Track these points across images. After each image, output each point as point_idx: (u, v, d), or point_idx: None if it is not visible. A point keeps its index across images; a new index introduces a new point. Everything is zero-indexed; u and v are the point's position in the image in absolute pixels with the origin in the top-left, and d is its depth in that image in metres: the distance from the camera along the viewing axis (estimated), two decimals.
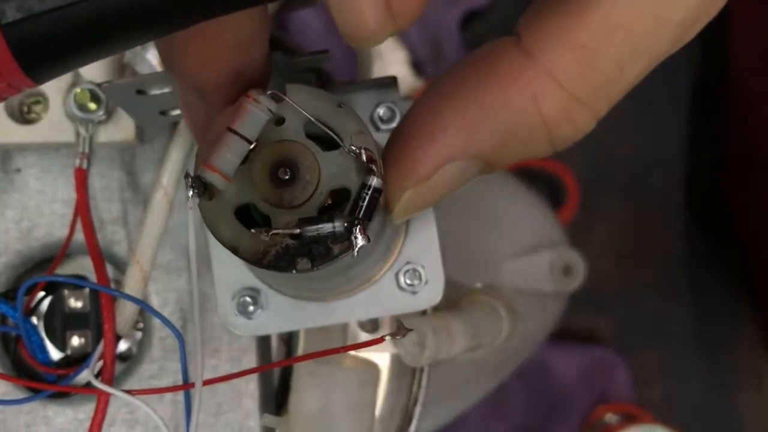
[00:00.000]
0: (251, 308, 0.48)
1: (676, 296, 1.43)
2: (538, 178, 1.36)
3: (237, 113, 0.36)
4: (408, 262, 0.49)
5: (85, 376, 0.52)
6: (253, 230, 0.37)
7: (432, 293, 0.49)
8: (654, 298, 1.43)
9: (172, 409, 0.53)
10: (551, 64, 0.35)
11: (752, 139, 1.32)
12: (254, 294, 0.48)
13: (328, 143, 0.38)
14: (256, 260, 0.38)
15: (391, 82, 0.48)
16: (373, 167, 0.37)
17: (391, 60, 1.40)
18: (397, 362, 0.56)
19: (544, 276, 1.17)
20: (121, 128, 0.51)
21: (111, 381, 0.48)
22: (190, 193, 0.36)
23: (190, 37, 0.35)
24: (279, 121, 0.38)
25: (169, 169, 0.50)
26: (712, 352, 1.42)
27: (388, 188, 0.38)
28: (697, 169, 1.44)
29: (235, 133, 0.36)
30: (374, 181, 0.37)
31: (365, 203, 0.37)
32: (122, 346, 0.55)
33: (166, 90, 0.44)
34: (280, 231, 0.37)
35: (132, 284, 0.50)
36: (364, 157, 0.37)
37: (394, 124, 0.48)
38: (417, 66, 1.42)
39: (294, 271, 0.38)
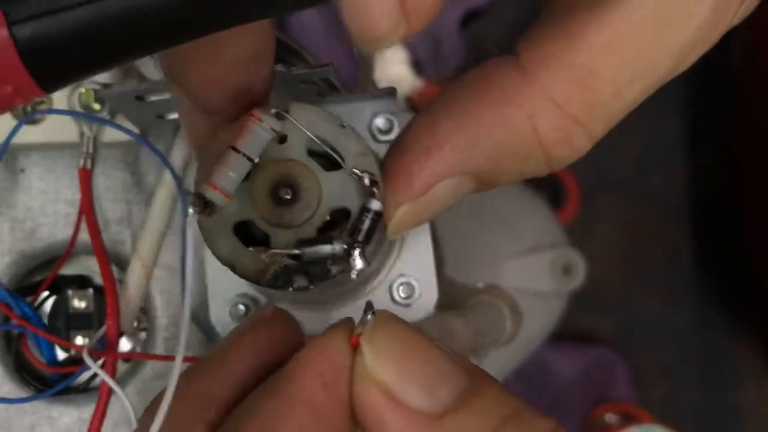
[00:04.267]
0: (245, 315, 0.48)
1: (676, 296, 1.43)
2: (539, 179, 1.35)
3: (240, 131, 0.36)
4: (402, 275, 0.49)
5: (88, 376, 0.52)
6: (251, 249, 0.38)
7: (425, 306, 0.49)
8: (654, 298, 1.43)
9: None
10: (548, 84, 0.35)
11: (753, 139, 1.32)
12: (248, 302, 0.48)
13: (329, 162, 0.38)
14: (254, 278, 0.38)
15: (390, 92, 0.48)
16: (375, 190, 0.37)
17: (391, 60, 1.40)
18: None
19: (545, 275, 1.17)
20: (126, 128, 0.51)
21: (113, 371, 0.48)
22: (191, 210, 0.37)
23: (195, 53, 0.35)
24: (282, 139, 0.38)
25: (173, 166, 0.51)
26: (712, 352, 1.42)
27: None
28: (697, 169, 1.44)
29: (238, 151, 0.36)
30: (375, 205, 0.37)
31: (365, 226, 0.37)
32: (126, 346, 0.55)
33: (165, 96, 0.44)
34: (279, 251, 0.37)
35: (134, 279, 0.50)
36: (367, 181, 0.37)
37: (392, 135, 0.49)
38: (417, 66, 1.41)
39: (291, 290, 0.38)
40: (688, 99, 1.43)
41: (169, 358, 0.45)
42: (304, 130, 0.38)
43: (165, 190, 0.50)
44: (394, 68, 1.41)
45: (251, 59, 0.36)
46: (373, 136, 0.49)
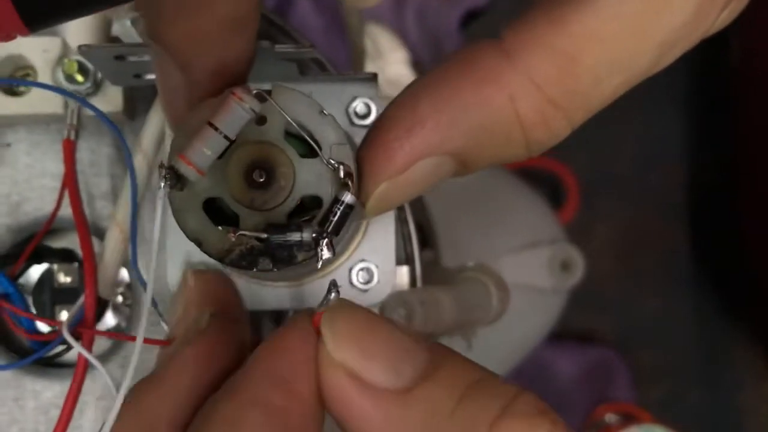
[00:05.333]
0: None
1: (676, 296, 1.43)
2: (539, 178, 1.36)
3: (219, 109, 0.36)
4: (363, 260, 0.49)
5: (74, 352, 0.52)
6: (220, 227, 0.38)
7: (381, 293, 0.49)
8: (654, 298, 1.43)
9: None
10: (530, 65, 0.36)
11: (752, 139, 1.32)
12: (204, 267, 0.48)
13: (306, 149, 0.39)
14: (218, 257, 0.38)
15: (371, 78, 0.49)
16: (349, 182, 0.38)
17: (392, 60, 1.40)
18: None
19: (543, 271, 1.17)
20: (109, 100, 0.51)
21: (90, 343, 0.48)
22: (162, 183, 0.37)
23: (180, 9, 0.35)
24: (261, 120, 0.38)
25: (149, 133, 0.50)
26: (712, 352, 1.41)
27: (362, 181, 0.38)
28: (697, 169, 1.44)
29: (215, 128, 0.36)
30: (348, 198, 0.37)
31: (336, 218, 0.38)
32: (111, 321, 0.55)
33: (144, 58, 0.44)
34: (247, 233, 0.37)
35: (111, 244, 0.50)
36: (342, 172, 0.38)
37: (369, 120, 0.49)
38: (417, 66, 1.42)
39: (254, 270, 0.38)
40: (687, 98, 1.43)
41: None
42: (284, 114, 0.38)
43: (141, 156, 0.50)
44: (395, 68, 1.41)
45: (236, 22, 0.36)
46: (350, 120, 0.49)
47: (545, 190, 1.36)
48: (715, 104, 1.42)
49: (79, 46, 0.43)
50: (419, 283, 0.54)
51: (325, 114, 0.39)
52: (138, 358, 0.39)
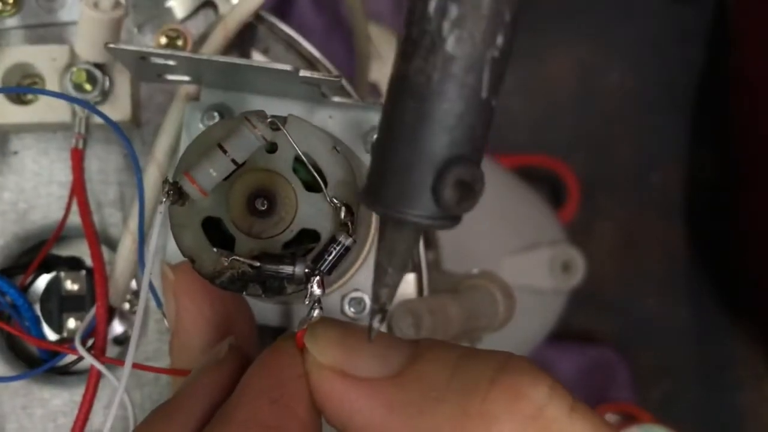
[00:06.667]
0: None
1: (676, 296, 1.43)
2: (539, 178, 1.36)
3: (231, 132, 0.37)
4: (356, 289, 0.49)
5: (84, 360, 0.52)
6: (215, 249, 0.38)
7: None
8: (654, 298, 1.43)
9: (168, 390, 0.53)
10: None
11: (752, 138, 1.32)
12: None
13: (311, 180, 0.39)
14: (209, 277, 0.38)
15: None
16: (349, 223, 0.38)
17: (391, 60, 1.40)
18: None
19: (544, 272, 1.17)
20: (117, 109, 0.51)
21: (102, 352, 0.48)
22: (164, 198, 0.37)
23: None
24: (271, 147, 0.39)
25: (162, 143, 0.50)
26: (712, 352, 1.41)
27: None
28: (697, 169, 1.44)
29: (224, 151, 0.36)
30: (345, 239, 0.38)
31: (331, 257, 0.38)
32: (118, 329, 0.55)
33: (170, 63, 0.44)
34: (241, 259, 0.38)
35: (124, 253, 0.50)
36: (342, 214, 0.38)
37: None
38: None
39: (243, 294, 0.38)
40: (687, 99, 1.43)
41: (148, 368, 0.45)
42: (295, 146, 0.38)
43: (155, 166, 0.50)
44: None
45: None
46: (366, 147, 0.49)
47: (545, 190, 1.36)
48: (715, 104, 1.42)
49: (106, 44, 0.43)
50: (426, 291, 0.54)
51: (336, 151, 0.39)
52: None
